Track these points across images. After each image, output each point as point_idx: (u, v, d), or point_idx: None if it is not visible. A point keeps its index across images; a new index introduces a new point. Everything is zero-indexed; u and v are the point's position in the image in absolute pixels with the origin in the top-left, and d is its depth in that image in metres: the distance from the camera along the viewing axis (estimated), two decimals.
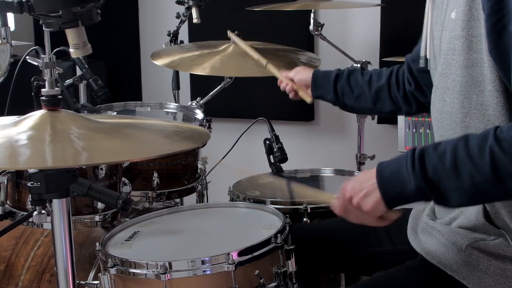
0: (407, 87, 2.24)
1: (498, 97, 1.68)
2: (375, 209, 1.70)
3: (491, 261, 1.77)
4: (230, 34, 2.99)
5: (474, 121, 1.74)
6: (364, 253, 2.21)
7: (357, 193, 1.72)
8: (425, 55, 2.00)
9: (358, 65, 3.45)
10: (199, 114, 3.03)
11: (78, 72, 2.91)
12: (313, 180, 2.94)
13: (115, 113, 3.04)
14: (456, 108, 1.78)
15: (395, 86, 2.30)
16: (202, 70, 2.83)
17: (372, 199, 1.69)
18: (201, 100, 3.22)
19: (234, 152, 3.34)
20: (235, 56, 2.91)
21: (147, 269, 1.85)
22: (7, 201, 2.43)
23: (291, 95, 2.52)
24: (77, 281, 1.77)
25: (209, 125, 3.02)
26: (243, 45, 2.89)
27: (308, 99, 2.47)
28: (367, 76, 2.37)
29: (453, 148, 1.59)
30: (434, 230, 1.89)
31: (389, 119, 4.05)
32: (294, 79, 2.50)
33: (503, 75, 1.66)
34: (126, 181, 2.54)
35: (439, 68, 1.87)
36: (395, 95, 2.30)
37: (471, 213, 1.78)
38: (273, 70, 2.64)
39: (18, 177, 2.38)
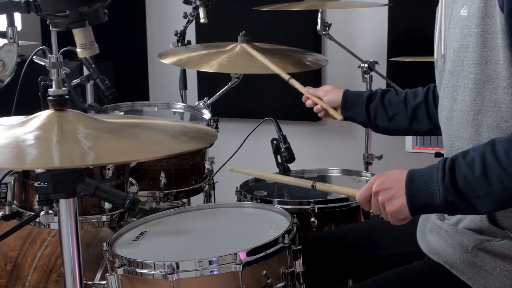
0: None
1: None
2: (399, 213, 1.72)
3: (497, 262, 1.77)
4: (248, 48, 2.93)
5: (486, 118, 1.75)
6: (370, 257, 2.21)
7: (384, 191, 1.74)
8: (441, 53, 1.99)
9: (366, 65, 3.44)
10: (206, 114, 3.03)
11: (85, 72, 2.91)
12: (321, 180, 2.94)
13: (122, 113, 3.04)
14: (468, 105, 1.78)
15: (433, 103, 2.24)
16: (209, 67, 2.82)
17: (397, 203, 1.71)
18: (208, 100, 3.22)
19: (242, 152, 3.33)
20: (243, 55, 2.90)
21: (154, 269, 1.85)
22: (14, 201, 2.43)
23: (320, 114, 2.47)
24: (84, 281, 1.77)
25: (217, 125, 3.02)
26: (262, 58, 2.79)
27: (339, 117, 2.42)
28: (402, 96, 2.31)
29: (481, 154, 1.61)
30: (441, 230, 1.89)
31: None
32: (324, 99, 2.44)
33: None
34: (133, 181, 2.54)
35: (448, 66, 1.86)
36: (433, 112, 2.24)
37: (476, 216, 1.79)
38: (297, 85, 2.54)
39: (25, 177, 2.38)
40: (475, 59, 1.75)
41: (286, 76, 2.58)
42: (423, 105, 2.27)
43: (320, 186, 2.05)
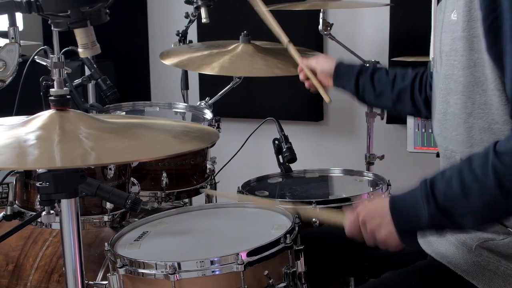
0: (428, 91, 2.23)
1: (500, 96, 1.71)
2: (389, 240, 1.75)
3: (501, 261, 1.77)
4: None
5: (477, 121, 1.76)
6: (372, 255, 2.21)
7: (371, 221, 1.77)
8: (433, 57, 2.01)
9: (367, 65, 3.44)
10: (208, 114, 3.02)
11: (87, 72, 2.90)
12: (322, 180, 2.94)
13: (124, 113, 3.03)
14: (460, 108, 1.80)
15: (418, 89, 2.27)
16: (211, 69, 2.82)
17: (386, 230, 1.74)
18: (210, 100, 3.21)
19: (243, 152, 3.33)
20: (244, 56, 2.91)
21: (156, 269, 1.85)
22: (16, 201, 2.43)
23: (312, 90, 2.51)
24: (86, 282, 1.76)
25: (218, 125, 3.02)
26: (268, 15, 2.76)
27: (327, 99, 2.46)
28: (391, 76, 2.34)
29: (458, 172, 1.63)
30: None
31: (398, 119, 4.03)
32: (316, 69, 2.48)
33: (500, 74, 1.68)
34: (135, 181, 2.54)
35: (442, 70, 1.88)
36: (417, 98, 2.27)
37: None
38: (293, 53, 2.59)
39: (26, 177, 2.38)
40: (463, 62, 1.77)
41: (285, 40, 2.62)
42: (408, 89, 2.29)
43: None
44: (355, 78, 2.38)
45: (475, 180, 1.59)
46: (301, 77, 2.53)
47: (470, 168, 1.61)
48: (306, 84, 2.51)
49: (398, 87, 2.31)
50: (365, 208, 1.80)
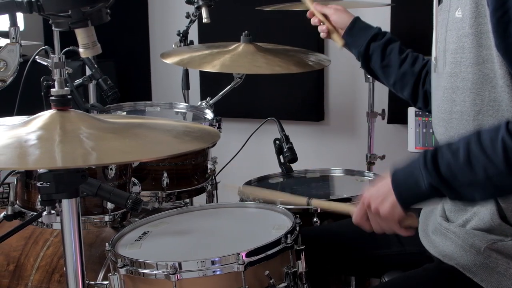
0: (427, 86, 2.22)
1: (509, 92, 1.70)
2: (392, 212, 1.73)
3: (509, 263, 1.76)
4: None
5: (487, 118, 1.75)
6: (373, 255, 2.21)
7: (374, 198, 1.76)
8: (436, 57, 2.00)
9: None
10: (209, 114, 3.03)
11: (88, 72, 2.90)
12: (323, 180, 2.94)
13: (125, 113, 3.03)
14: (468, 106, 1.78)
15: (423, 79, 2.25)
16: (212, 67, 2.82)
17: (388, 202, 1.72)
18: (211, 100, 3.21)
19: (244, 152, 3.33)
20: (245, 55, 2.90)
21: (157, 269, 1.85)
22: (17, 201, 2.43)
23: (322, 34, 2.43)
24: (87, 282, 1.76)
25: (219, 125, 3.02)
26: None
27: (340, 43, 2.39)
28: (403, 54, 2.30)
29: (466, 143, 1.61)
30: (449, 232, 1.88)
31: (399, 119, 4.03)
32: (331, 17, 2.40)
33: (510, 69, 1.67)
34: (136, 181, 2.54)
35: (447, 68, 1.87)
36: (419, 87, 2.26)
37: (485, 214, 1.78)
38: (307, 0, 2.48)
39: (27, 177, 2.38)
40: (471, 59, 1.76)
41: None
42: (415, 75, 2.27)
43: (316, 202, 2.10)
44: (368, 39, 2.33)
45: (482, 152, 1.57)
46: (313, 21, 2.44)
47: (479, 140, 1.59)
48: (319, 29, 2.43)
49: (405, 68, 2.28)
50: (370, 191, 1.79)
